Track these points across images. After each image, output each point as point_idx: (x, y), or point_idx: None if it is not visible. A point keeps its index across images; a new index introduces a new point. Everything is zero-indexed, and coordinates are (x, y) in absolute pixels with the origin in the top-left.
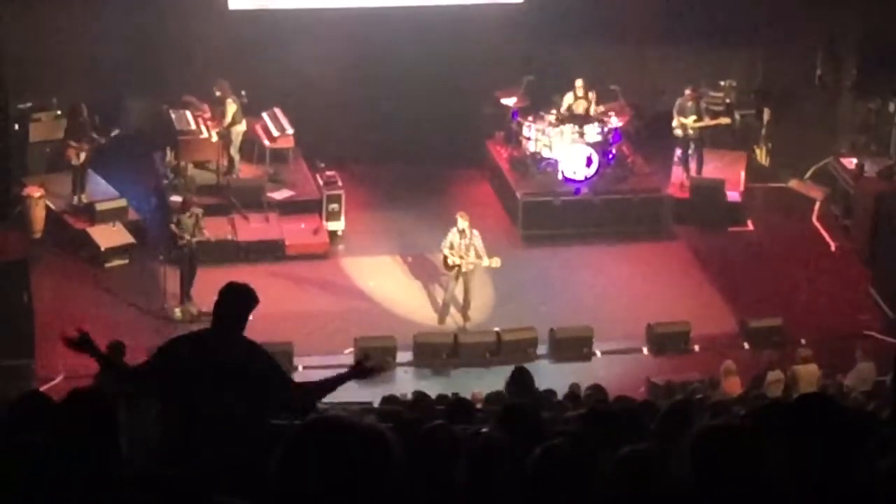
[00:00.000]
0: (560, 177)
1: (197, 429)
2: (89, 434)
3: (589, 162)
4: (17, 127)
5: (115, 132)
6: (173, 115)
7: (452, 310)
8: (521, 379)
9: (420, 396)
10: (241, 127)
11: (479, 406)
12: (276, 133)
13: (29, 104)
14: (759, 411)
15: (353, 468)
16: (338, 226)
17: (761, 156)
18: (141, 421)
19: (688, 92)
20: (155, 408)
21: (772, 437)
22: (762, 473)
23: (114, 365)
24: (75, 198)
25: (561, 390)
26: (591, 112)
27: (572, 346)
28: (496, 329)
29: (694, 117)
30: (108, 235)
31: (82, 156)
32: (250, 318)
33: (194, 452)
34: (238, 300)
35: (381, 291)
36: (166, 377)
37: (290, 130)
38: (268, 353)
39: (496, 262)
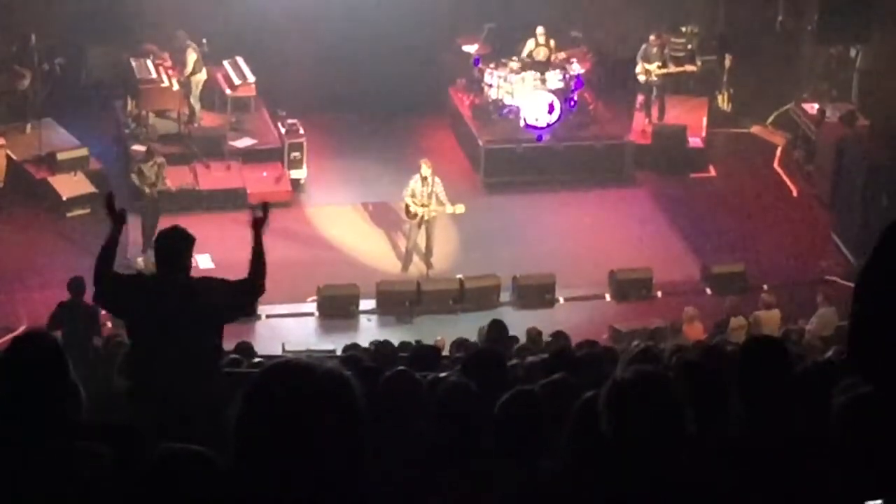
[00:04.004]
0: (522, 124)
1: (156, 374)
2: (38, 380)
3: (551, 109)
4: None
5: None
6: (134, 64)
7: (415, 258)
8: (496, 331)
9: (383, 344)
10: (202, 75)
11: (444, 353)
12: (237, 81)
13: None
14: (682, 363)
15: (313, 411)
16: (300, 174)
17: (723, 101)
18: (96, 368)
19: (652, 38)
20: (117, 355)
21: (726, 380)
22: (681, 422)
23: (114, 240)
24: (27, 126)
25: (524, 337)
26: (552, 59)
27: (535, 293)
28: (459, 276)
29: (658, 63)
30: (70, 185)
31: (26, 82)
32: (210, 262)
33: (155, 398)
34: (171, 243)
35: (344, 239)
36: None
37: (251, 79)
38: (211, 281)
39: (460, 209)
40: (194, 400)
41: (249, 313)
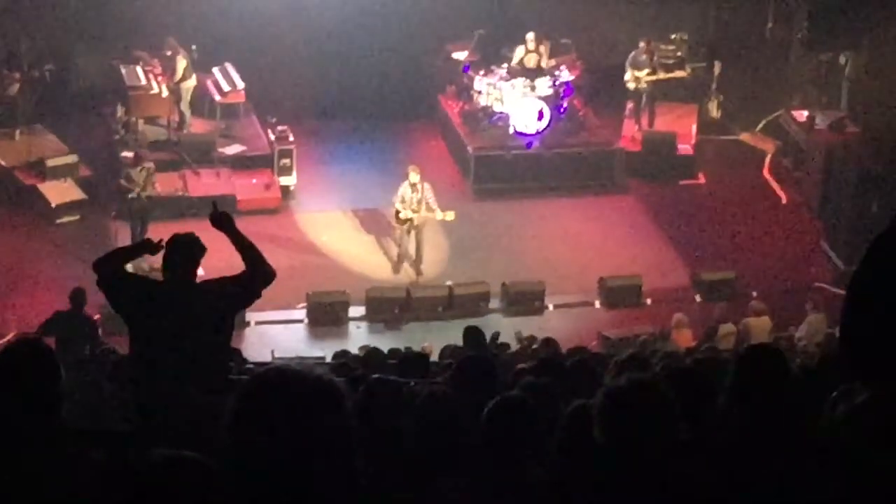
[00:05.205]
0: (511, 131)
1: (160, 381)
2: (31, 385)
3: (540, 116)
4: None
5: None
6: (124, 71)
7: (405, 264)
8: (473, 338)
9: (372, 351)
10: (192, 82)
11: (432, 360)
12: (227, 88)
13: None
14: (670, 369)
15: (303, 418)
16: (290, 181)
17: (712, 109)
18: (86, 377)
19: (642, 45)
20: (109, 363)
21: (719, 388)
22: (674, 429)
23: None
24: (17, 132)
25: (514, 344)
26: (543, 65)
27: (525, 300)
28: (448, 283)
29: (648, 70)
30: (59, 191)
31: (16, 88)
32: (200, 269)
33: (158, 405)
34: (187, 249)
35: (334, 246)
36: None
37: (241, 85)
38: (212, 283)
39: (450, 216)
40: (196, 405)
41: (255, 298)
